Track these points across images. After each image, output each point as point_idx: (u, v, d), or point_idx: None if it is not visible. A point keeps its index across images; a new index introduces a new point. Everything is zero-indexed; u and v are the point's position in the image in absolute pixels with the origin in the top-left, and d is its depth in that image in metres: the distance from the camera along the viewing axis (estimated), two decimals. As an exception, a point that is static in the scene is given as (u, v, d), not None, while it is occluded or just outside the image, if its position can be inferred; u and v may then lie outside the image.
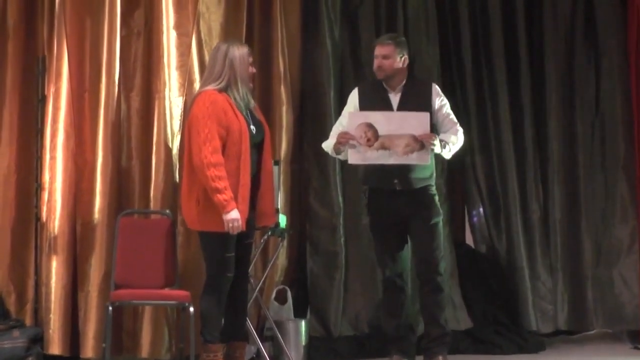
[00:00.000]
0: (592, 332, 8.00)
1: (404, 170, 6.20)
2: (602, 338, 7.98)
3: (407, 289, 6.48)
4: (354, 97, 6.46)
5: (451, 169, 7.94)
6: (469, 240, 8.25)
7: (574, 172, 8.00)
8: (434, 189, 6.38)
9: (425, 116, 6.14)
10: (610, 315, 7.91)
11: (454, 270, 7.72)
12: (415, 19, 7.88)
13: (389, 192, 6.27)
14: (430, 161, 6.23)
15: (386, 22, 7.84)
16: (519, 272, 7.80)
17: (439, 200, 6.40)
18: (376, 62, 6.33)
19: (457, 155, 7.90)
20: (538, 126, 8.00)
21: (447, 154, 6.36)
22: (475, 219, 8.09)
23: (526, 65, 8.02)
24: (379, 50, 6.33)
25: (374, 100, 6.32)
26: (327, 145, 6.43)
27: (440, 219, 6.38)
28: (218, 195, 5.70)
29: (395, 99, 6.30)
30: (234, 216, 5.73)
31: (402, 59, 6.34)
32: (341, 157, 6.41)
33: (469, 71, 7.98)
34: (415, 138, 6.08)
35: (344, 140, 6.17)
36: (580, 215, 7.96)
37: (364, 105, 6.32)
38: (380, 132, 6.10)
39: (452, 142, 6.32)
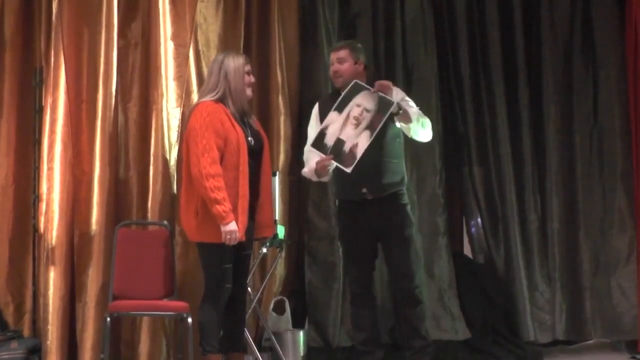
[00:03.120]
0: (590, 342, 7.99)
1: (372, 176, 6.05)
2: (600, 348, 7.97)
3: (376, 302, 6.41)
4: (315, 112, 6.35)
5: (449, 180, 7.95)
6: (467, 250, 8.25)
7: (572, 183, 8.00)
8: (405, 198, 6.21)
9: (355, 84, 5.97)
10: (609, 325, 7.90)
11: (452, 281, 7.72)
12: (413, 31, 7.90)
13: (359, 203, 6.13)
14: (394, 101, 5.91)
15: (384, 33, 7.87)
16: (517, 282, 7.80)
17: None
18: (332, 69, 6.22)
19: (455, 166, 7.95)
20: (536, 137, 8.01)
21: (405, 119, 6.03)
22: (473, 229, 8.09)
23: (524, 77, 8.03)
24: (333, 55, 6.23)
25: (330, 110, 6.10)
26: (308, 172, 6.24)
27: (413, 229, 6.24)
28: (217, 206, 5.69)
29: None
30: (232, 228, 5.73)
31: (358, 62, 6.23)
32: (325, 179, 6.31)
33: (467, 82, 7.99)
34: (357, 117, 5.89)
35: (325, 166, 6.03)
36: (578, 225, 7.96)
37: (324, 118, 6.13)
38: (335, 137, 5.93)
39: (410, 106, 6.06)
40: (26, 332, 7.01)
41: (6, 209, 7.11)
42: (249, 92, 6.03)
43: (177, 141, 7.04)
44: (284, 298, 7.48)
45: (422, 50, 7.89)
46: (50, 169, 6.98)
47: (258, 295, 7.13)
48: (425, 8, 7.96)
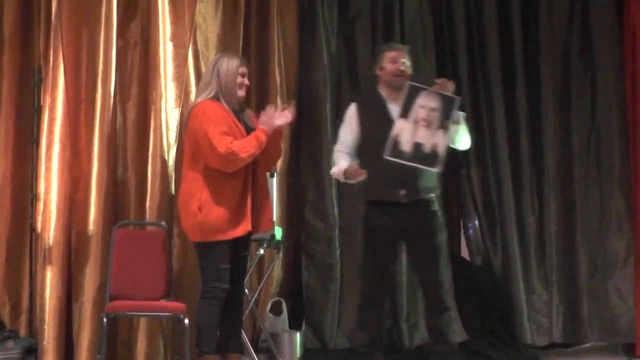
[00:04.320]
0: (587, 345, 7.97)
1: (410, 179, 6.00)
2: (597, 351, 7.95)
3: (385, 304, 6.35)
4: (351, 113, 6.23)
5: (447, 181, 7.94)
6: (465, 252, 8.25)
7: (570, 185, 8.00)
8: (437, 204, 6.18)
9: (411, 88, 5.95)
10: (606, 328, 7.90)
11: (449, 283, 7.71)
12: (411, 31, 7.89)
13: (392, 204, 6.07)
14: (456, 97, 5.98)
15: (382, 34, 7.87)
16: (514, 284, 7.81)
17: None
18: (398, 66, 6.14)
19: (453, 167, 7.93)
20: (534, 139, 8.01)
21: (455, 123, 6.05)
22: (470, 231, 8.09)
23: (522, 79, 8.03)
24: (401, 55, 6.17)
25: (371, 112, 6.15)
26: (337, 173, 6.20)
27: (445, 236, 6.23)
28: (260, 146, 5.83)
29: (395, 109, 6.06)
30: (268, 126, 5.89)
31: None
32: (352, 181, 6.18)
33: (465, 84, 7.98)
34: (426, 118, 5.90)
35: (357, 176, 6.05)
36: (575, 228, 7.96)
37: (364, 120, 6.14)
38: (412, 142, 5.91)
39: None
40: (22, 332, 7.00)
41: (4, 208, 7.08)
42: (240, 93, 6.00)
43: (175, 142, 7.03)
44: (281, 299, 7.48)
45: (421, 51, 7.88)
46: (48, 168, 6.96)
47: (255, 296, 7.14)
48: (424, 9, 7.96)
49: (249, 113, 6.14)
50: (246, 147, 5.77)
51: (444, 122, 5.90)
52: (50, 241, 6.90)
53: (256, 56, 7.57)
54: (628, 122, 7.98)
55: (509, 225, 7.90)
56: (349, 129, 6.21)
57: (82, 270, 6.89)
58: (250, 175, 5.93)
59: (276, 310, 7.45)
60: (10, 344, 6.73)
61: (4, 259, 7.04)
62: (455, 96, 5.94)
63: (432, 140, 5.88)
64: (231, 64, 5.95)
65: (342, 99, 7.72)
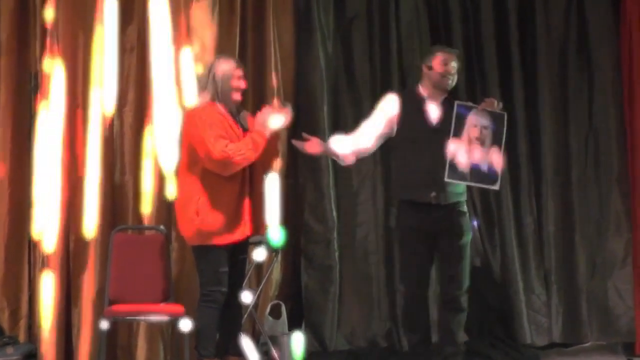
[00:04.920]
0: (586, 344, 7.95)
1: (439, 182, 6.08)
2: (596, 350, 7.93)
3: (428, 301, 6.45)
4: (392, 102, 6.31)
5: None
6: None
7: (568, 186, 7.98)
8: (465, 207, 6.31)
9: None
10: (605, 328, 7.89)
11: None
12: (408, 34, 7.89)
13: (424, 204, 6.16)
14: (504, 113, 6.17)
15: (379, 37, 7.85)
16: (513, 285, 7.79)
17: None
18: (449, 69, 6.25)
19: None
20: (532, 140, 7.99)
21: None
22: (470, 232, 8.09)
23: (519, 80, 8.01)
24: (452, 59, 6.29)
25: (410, 109, 6.23)
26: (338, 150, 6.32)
27: (470, 238, 6.32)
28: (256, 148, 5.84)
29: (434, 111, 6.22)
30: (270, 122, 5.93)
31: None
32: (341, 163, 6.37)
33: (461, 85, 7.96)
34: (479, 137, 6.06)
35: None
36: (574, 228, 7.94)
37: (402, 115, 6.23)
38: (470, 163, 6.05)
39: None
40: (22, 337, 7.01)
41: (2, 213, 7.10)
42: (237, 96, 6.01)
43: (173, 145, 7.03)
44: (280, 302, 7.47)
45: (418, 53, 7.87)
46: (45, 173, 6.96)
47: (254, 299, 7.12)
48: (420, 11, 7.95)
49: (245, 115, 6.15)
50: (241, 150, 5.77)
51: (497, 139, 6.07)
52: (49, 246, 6.89)
53: (252, 59, 7.56)
54: (625, 122, 7.96)
55: (507, 226, 7.88)
56: (382, 118, 6.31)
57: (80, 275, 6.90)
58: (248, 178, 5.94)
59: (275, 313, 7.44)
60: (9, 349, 6.74)
61: (2, 264, 7.07)
62: (503, 112, 6.10)
63: (487, 158, 6.05)
64: (227, 67, 5.96)
65: (339, 101, 7.73)
